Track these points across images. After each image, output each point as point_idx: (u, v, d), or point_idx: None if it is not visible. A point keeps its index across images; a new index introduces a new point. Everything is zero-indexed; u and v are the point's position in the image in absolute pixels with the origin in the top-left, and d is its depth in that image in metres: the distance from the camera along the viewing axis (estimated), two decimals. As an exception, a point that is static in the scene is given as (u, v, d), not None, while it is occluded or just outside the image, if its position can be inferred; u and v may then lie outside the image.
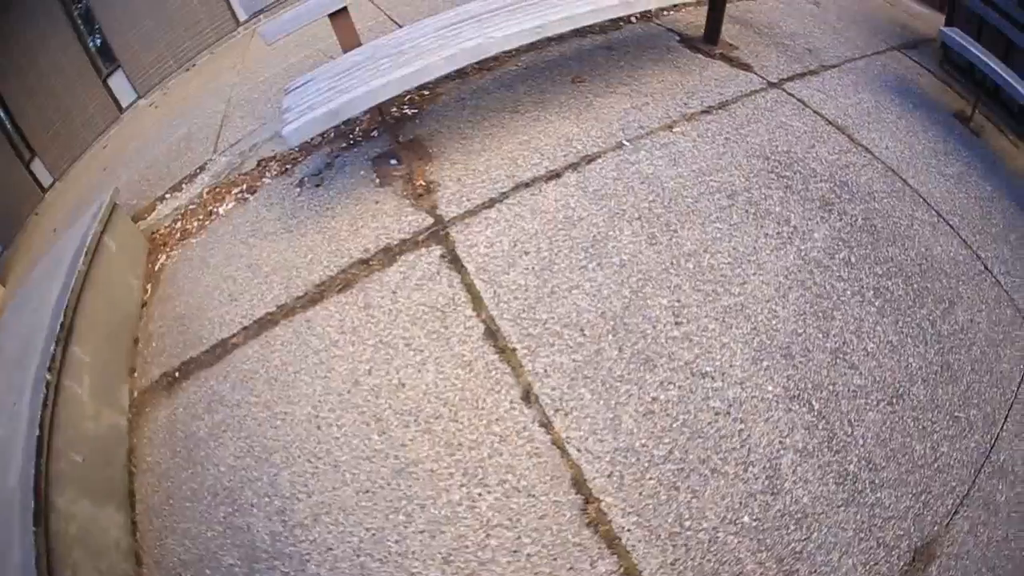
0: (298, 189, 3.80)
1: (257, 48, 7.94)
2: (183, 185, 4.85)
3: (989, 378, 2.62)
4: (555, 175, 3.10)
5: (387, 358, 2.64)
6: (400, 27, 4.60)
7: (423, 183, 3.23)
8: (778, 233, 2.84)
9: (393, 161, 3.42)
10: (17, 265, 9.21)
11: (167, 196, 4.89)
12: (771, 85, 3.77)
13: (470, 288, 2.71)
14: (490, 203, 3.02)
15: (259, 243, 3.55)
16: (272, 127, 4.60)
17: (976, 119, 4.08)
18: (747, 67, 3.90)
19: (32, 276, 5.22)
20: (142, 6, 10.29)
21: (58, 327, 3.18)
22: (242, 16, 10.20)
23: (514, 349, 2.54)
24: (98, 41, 10.67)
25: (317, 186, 3.72)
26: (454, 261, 2.84)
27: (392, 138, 3.56)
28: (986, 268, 3.01)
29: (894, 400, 2.42)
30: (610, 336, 2.51)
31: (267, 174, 4.24)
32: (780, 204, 2.98)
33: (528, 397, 2.38)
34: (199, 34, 10.37)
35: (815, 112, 3.59)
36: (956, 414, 2.48)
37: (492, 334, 2.58)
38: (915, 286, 2.80)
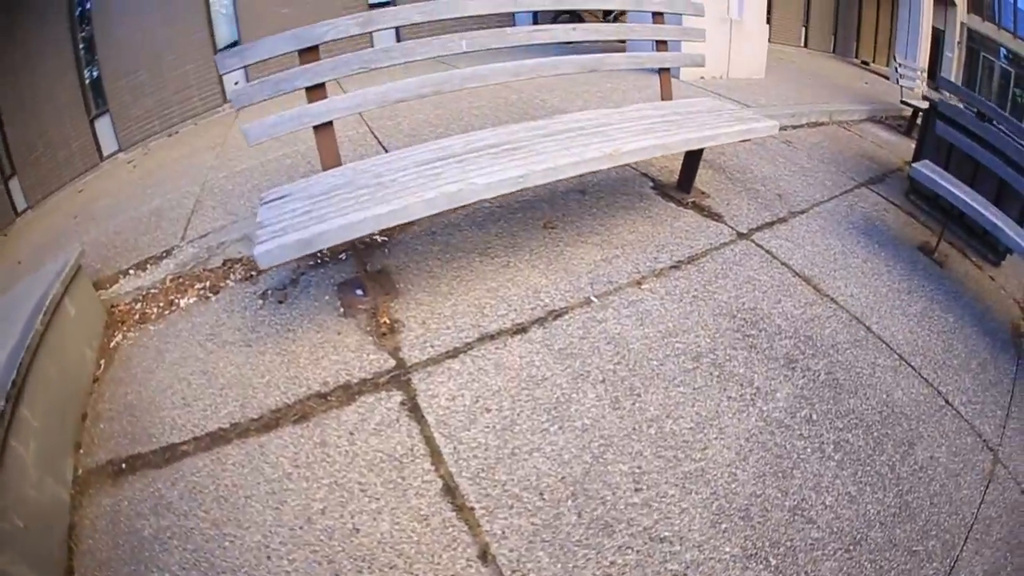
0: (260, 301, 3.74)
1: (239, 133, 8.08)
2: (148, 265, 4.67)
3: (948, 507, 2.66)
4: (521, 329, 3.05)
5: (342, 500, 2.55)
6: (381, 145, 4.71)
7: (387, 321, 3.15)
8: (741, 396, 2.81)
9: (359, 291, 3.36)
10: None
11: (131, 271, 4.69)
12: (740, 236, 3.79)
13: (429, 441, 2.62)
14: (454, 352, 2.93)
15: (217, 350, 3.45)
16: (242, 227, 4.55)
17: (941, 247, 4.21)
18: (718, 217, 3.92)
19: None
20: (141, 56, 10.43)
21: (9, 384, 3.03)
22: (231, 94, 10.40)
23: (472, 508, 2.45)
24: (94, 73, 10.65)
25: (280, 302, 3.66)
26: (414, 410, 2.74)
27: (360, 264, 3.50)
28: (947, 402, 3.06)
29: (851, 547, 2.40)
30: (569, 501, 2.44)
31: (231, 276, 4.19)
32: (744, 365, 2.96)
33: (485, 557, 2.31)
34: (187, 101, 10.51)
35: (783, 264, 3.61)
36: (914, 548, 2.47)
37: (450, 491, 2.49)
38: (875, 434, 2.82)
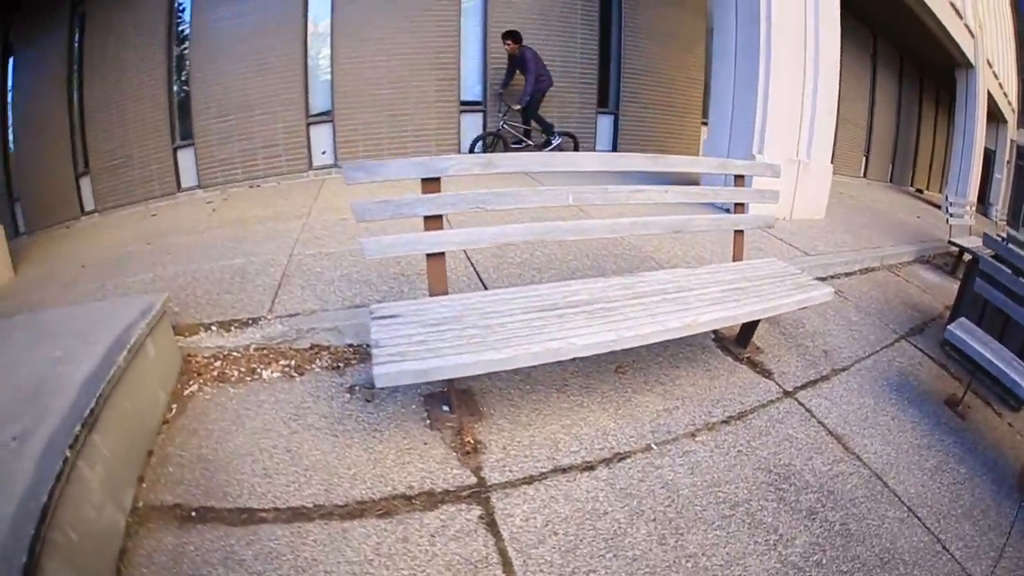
0: (348, 395, 4.04)
1: (325, 208, 8.36)
2: (232, 327, 4.96)
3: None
4: (590, 467, 3.38)
5: (420, 591, 2.91)
6: (477, 273, 5.16)
7: (471, 441, 3.47)
8: (766, 540, 3.14)
9: (445, 408, 3.66)
10: (31, 258, 9.64)
11: (213, 328, 4.97)
12: (786, 394, 4.15)
13: (503, 553, 2.93)
14: (530, 479, 3.27)
15: (301, 431, 3.73)
16: (333, 318, 4.86)
17: (966, 398, 4.56)
18: (768, 374, 4.30)
19: (50, 314, 5.55)
20: (233, 101, 10.97)
21: (88, 412, 3.36)
22: (321, 160, 11.01)
23: (535, 613, 2.83)
24: (185, 102, 11.25)
25: (367, 400, 3.95)
26: (491, 525, 3.06)
27: (447, 381, 3.68)
28: (944, 548, 3.35)
29: None
30: (617, 617, 2.82)
31: (318, 361, 4.52)
32: (772, 515, 3.29)
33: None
34: (274, 158, 10.98)
35: (819, 422, 3.97)
36: None
37: (518, 596, 2.88)
38: (873, 577, 3.22)
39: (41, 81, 12.49)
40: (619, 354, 3.83)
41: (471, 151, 10.38)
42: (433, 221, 3.75)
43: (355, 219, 3.64)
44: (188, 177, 11.40)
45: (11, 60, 12.87)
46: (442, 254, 3.81)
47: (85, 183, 12.15)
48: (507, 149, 10.76)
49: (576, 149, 11.50)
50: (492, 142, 11.01)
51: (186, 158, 11.38)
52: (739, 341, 4.53)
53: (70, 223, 12.05)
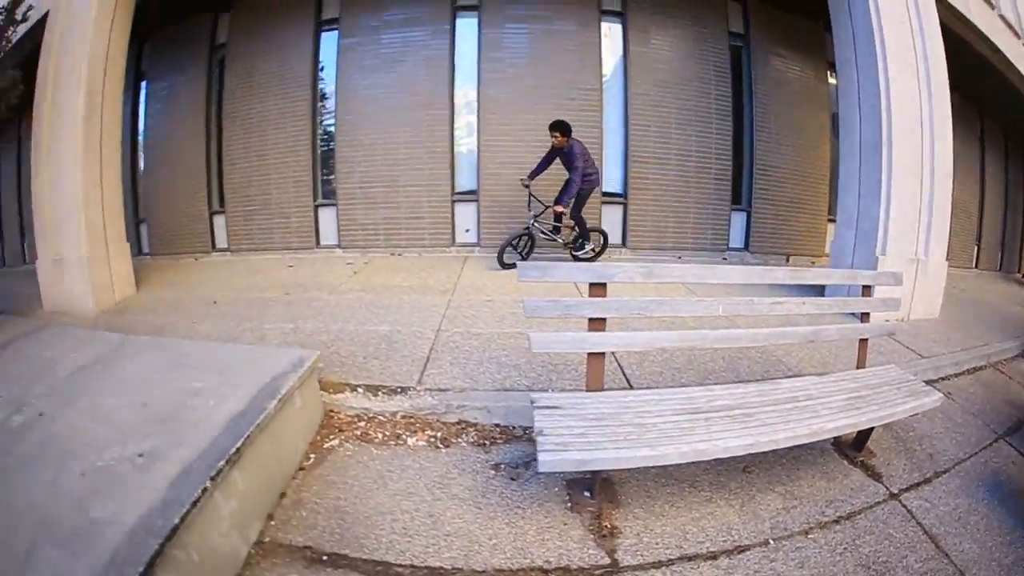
0: (493, 471, 4.33)
1: (470, 287, 8.77)
2: (380, 392, 5.32)
3: None
4: (713, 557, 3.61)
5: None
6: (622, 370, 5.45)
7: (608, 525, 3.72)
8: None
9: (587, 493, 3.92)
10: (153, 280, 10.68)
11: (359, 390, 5.37)
12: (891, 496, 4.34)
13: None
14: (658, 564, 3.51)
15: (444, 499, 4.03)
16: (483, 398, 5.13)
17: None
18: (878, 477, 4.50)
19: (186, 345, 6.29)
20: (379, 167, 11.68)
21: (234, 450, 3.79)
22: (464, 238, 11.35)
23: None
24: (328, 161, 12.06)
25: (512, 479, 4.22)
26: None
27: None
28: None
29: None
30: None
31: (464, 437, 4.81)
32: None
33: None
34: (417, 229, 11.44)
35: (917, 523, 4.15)
36: None
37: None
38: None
39: (177, 114, 13.33)
40: (748, 455, 4.00)
41: (502, 253, 9.91)
42: (597, 323, 4.07)
43: (525, 314, 3.93)
44: (328, 235, 12.05)
45: (143, 85, 13.92)
46: (602, 354, 4.11)
47: (219, 221, 12.91)
48: (532, 249, 10.24)
49: (606, 246, 11.08)
50: (525, 244, 10.20)
51: (327, 216, 12.05)
52: (855, 445, 4.76)
53: (199, 255, 12.83)
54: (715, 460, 4.18)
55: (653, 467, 4.11)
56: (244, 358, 5.49)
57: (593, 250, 10.77)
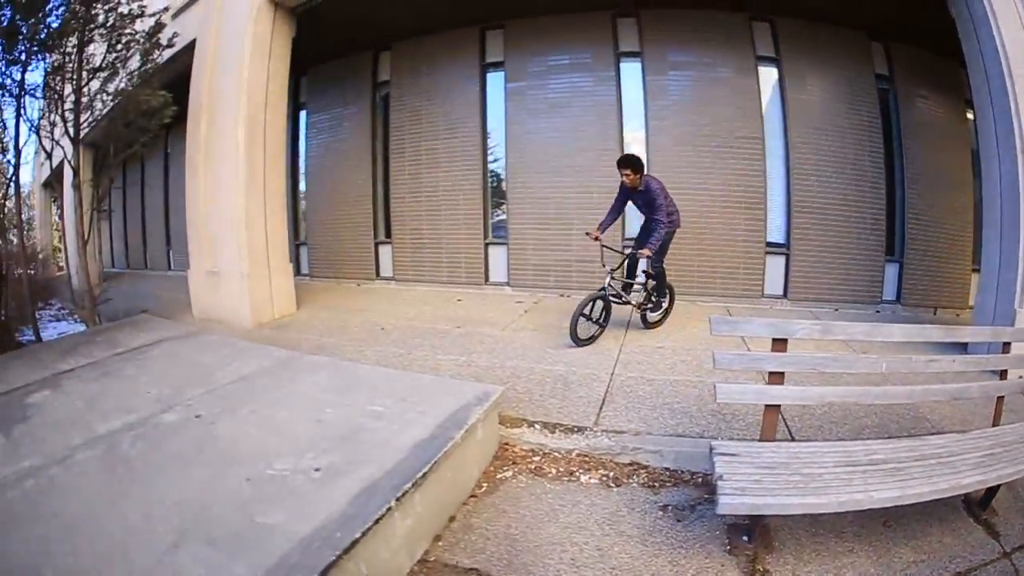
0: (660, 512, 4.68)
1: (641, 334, 9.14)
2: (556, 430, 5.89)
3: None
4: None
5: None
6: (784, 422, 5.72)
7: (762, 569, 4.02)
8: None
9: (745, 538, 4.27)
10: (314, 300, 11.88)
11: (536, 425, 6.00)
12: (1004, 555, 4.47)
13: None
14: None
15: (612, 535, 4.41)
16: (657, 442, 5.60)
17: None
18: (996, 535, 4.63)
19: (362, 369, 7.08)
20: (552, 212, 12.60)
21: (420, 474, 4.30)
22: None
23: None
24: (496, 194, 12.97)
25: (678, 520, 4.56)
26: None
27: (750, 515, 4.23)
28: None
29: None
30: None
31: (635, 478, 5.20)
32: None
33: None
34: (587, 273, 11.84)
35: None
36: None
37: None
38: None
39: (341, 146, 14.62)
40: (890, 508, 4.24)
41: (575, 327, 8.60)
42: (776, 376, 4.54)
43: (715, 366, 4.43)
44: (498, 273, 12.92)
45: (303, 114, 15.20)
46: (777, 406, 4.56)
47: (384, 250, 14.07)
48: (609, 315, 9.12)
49: (673, 301, 10.29)
50: (601, 311, 9.08)
51: (497, 255, 12.93)
52: (981, 503, 4.91)
53: (362, 282, 14.05)
54: (859, 512, 4.41)
55: (805, 516, 4.41)
56: (425, 387, 6.13)
57: (666, 310, 10.16)
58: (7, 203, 13.62)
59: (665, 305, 9.96)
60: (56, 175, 26.65)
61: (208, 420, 5.97)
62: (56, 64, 11.47)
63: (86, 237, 12.49)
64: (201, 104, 11.55)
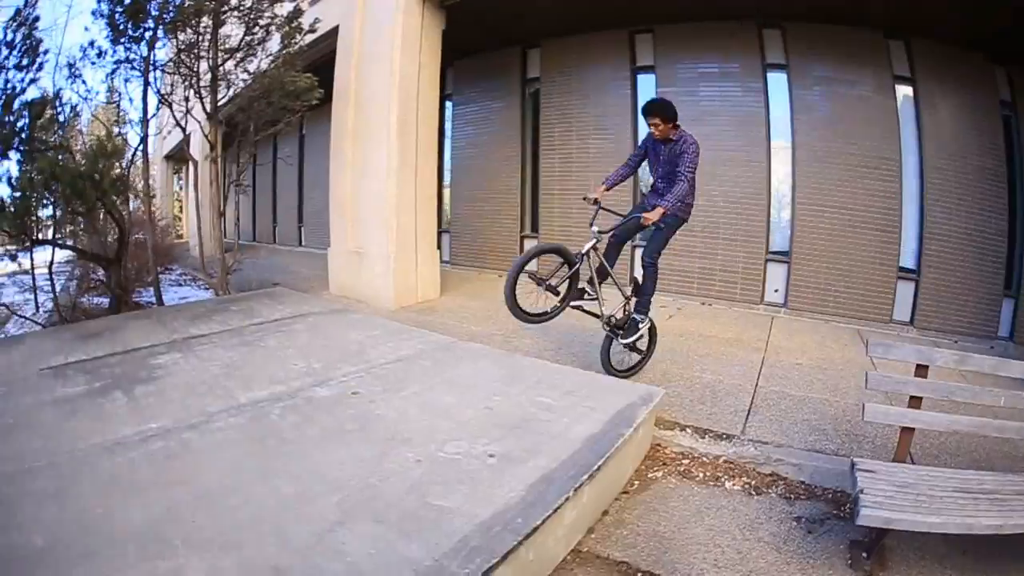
0: (794, 523, 5.12)
1: (780, 348, 9.86)
2: (706, 436, 6.42)
3: None
4: None
5: None
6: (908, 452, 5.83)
7: None
8: None
9: (864, 555, 4.62)
10: (459, 289, 12.93)
11: (687, 429, 6.52)
12: None
13: None
14: None
15: (751, 540, 4.88)
16: (796, 456, 6.07)
17: None
18: None
19: (524, 361, 7.73)
20: (700, 220, 12.23)
21: (596, 468, 4.74)
22: (773, 297, 12.17)
23: None
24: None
25: (808, 532, 5.00)
26: None
27: (873, 534, 4.62)
28: None
29: None
30: None
31: (774, 488, 5.64)
32: None
33: None
34: (730, 283, 12.49)
35: None
36: None
37: None
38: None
39: (489, 139, 15.58)
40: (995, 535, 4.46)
41: (513, 283, 7.07)
42: (915, 400, 5.11)
43: (867, 387, 5.01)
44: None
45: (449, 105, 16.06)
46: (913, 429, 5.16)
47: (528, 244, 14.76)
48: (573, 287, 7.76)
49: (654, 339, 8.63)
50: (570, 287, 7.70)
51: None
52: None
53: (503, 274, 13.72)
54: (960, 542, 4.83)
55: (915, 541, 4.85)
56: (588, 382, 6.72)
57: (647, 345, 8.64)
58: (130, 172, 14.32)
59: (645, 327, 8.30)
60: (181, 148, 28.53)
61: (367, 398, 6.39)
62: (188, 42, 12.60)
63: (222, 209, 13.52)
64: (348, 90, 12.60)
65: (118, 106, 16.47)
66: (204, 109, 13.16)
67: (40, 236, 12.87)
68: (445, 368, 7.33)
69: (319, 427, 5.73)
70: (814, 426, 6.72)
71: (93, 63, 12.72)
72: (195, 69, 12.91)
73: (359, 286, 12.31)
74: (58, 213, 12.68)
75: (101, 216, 12.87)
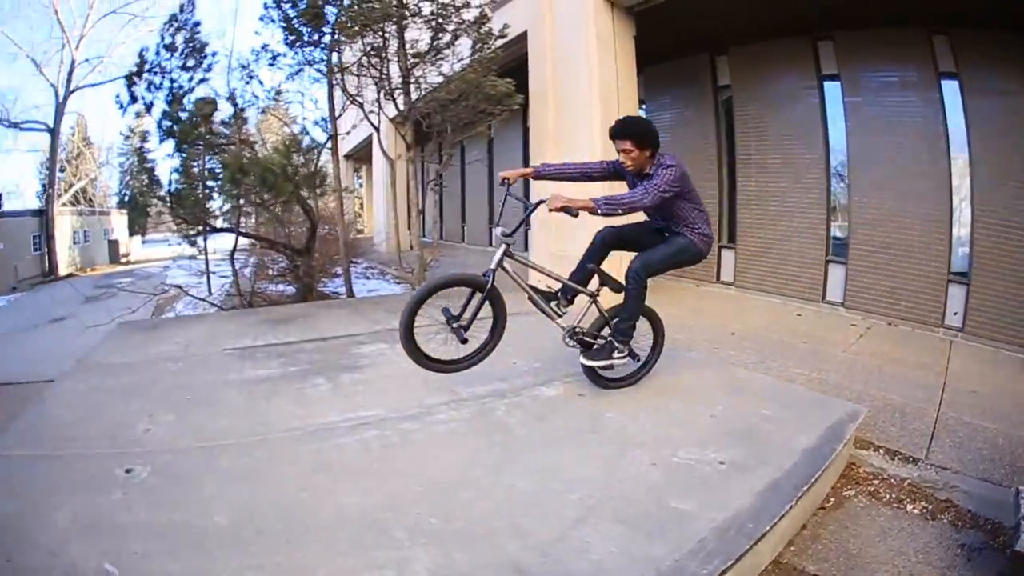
0: (958, 550, 5.32)
1: (962, 375, 9.58)
2: (895, 457, 6.68)
3: None
4: None
5: None
6: None
7: None
8: None
9: None
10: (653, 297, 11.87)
11: (880, 450, 6.74)
12: None
13: None
14: None
15: (923, 564, 5.04)
16: (968, 483, 6.16)
17: None
18: None
19: (740, 372, 7.97)
20: (887, 238, 13.10)
21: (813, 480, 5.11)
22: (952, 320, 11.96)
23: None
24: (840, 203, 13.89)
25: (968, 560, 5.18)
26: None
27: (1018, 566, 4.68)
28: None
29: None
30: None
31: (946, 514, 5.82)
32: None
33: None
34: (914, 305, 12.59)
35: None
36: None
37: None
38: None
39: (683, 146, 15.63)
40: None
41: (411, 320, 6.34)
42: None
43: None
44: (834, 292, 13.58)
45: (641, 110, 16.19)
46: None
47: (727, 255, 15.43)
48: (480, 307, 6.74)
49: (655, 355, 7.81)
50: (470, 302, 6.79)
51: (835, 274, 13.60)
52: None
53: (700, 283, 15.53)
54: None
55: None
56: (800, 397, 7.18)
57: (642, 367, 7.69)
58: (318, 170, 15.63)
59: (613, 364, 7.26)
60: (360, 148, 30.98)
61: (592, 400, 6.78)
62: (375, 46, 13.74)
63: (421, 207, 14.58)
64: (546, 95, 13.50)
65: (301, 106, 17.76)
66: (397, 109, 14.44)
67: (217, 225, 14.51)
68: (667, 374, 7.65)
69: (548, 426, 6.12)
70: (985, 455, 6.72)
71: (270, 64, 14.52)
72: (385, 72, 14.12)
73: (560, 288, 12.50)
74: (241, 203, 14.38)
75: (284, 209, 14.23)
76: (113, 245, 60.77)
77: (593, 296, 7.24)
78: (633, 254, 7.18)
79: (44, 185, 55.29)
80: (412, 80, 14.34)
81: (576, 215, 6.24)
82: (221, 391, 7.35)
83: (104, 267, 54.44)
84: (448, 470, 5.21)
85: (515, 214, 7.22)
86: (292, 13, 13.90)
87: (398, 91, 14.26)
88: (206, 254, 15.68)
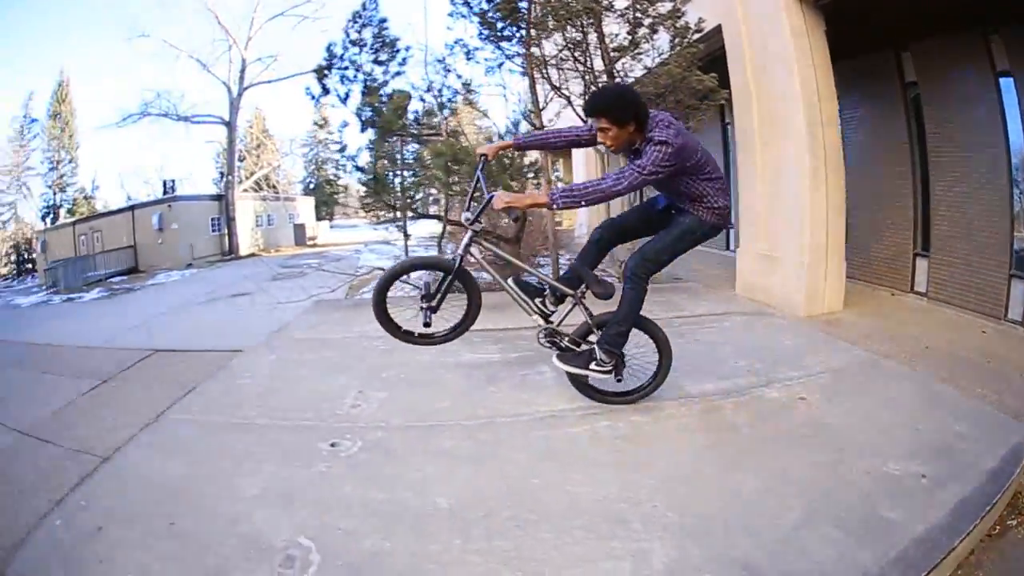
0: None
1: None
2: None
3: None
4: None
5: None
6: None
7: None
8: None
9: None
10: (856, 302, 12.63)
11: None
12: None
13: None
14: None
15: None
16: None
17: None
18: None
19: (940, 387, 7.35)
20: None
21: (997, 498, 4.90)
22: None
23: None
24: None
25: None
26: None
27: None
28: None
29: None
30: None
31: None
32: None
33: None
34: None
35: None
36: None
37: None
38: None
39: (872, 145, 15.25)
40: None
41: (382, 296, 6.11)
42: None
43: None
44: (1015, 309, 12.17)
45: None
46: None
47: (921, 263, 13.95)
48: (445, 293, 6.19)
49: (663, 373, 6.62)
50: (439, 288, 6.19)
51: (1019, 290, 12.20)
52: None
53: (895, 292, 14.32)
54: None
55: None
56: (988, 418, 6.58)
57: (643, 387, 6.64)
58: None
59: (596, 376, 6.34)
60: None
61: (812, 404, 6.61)
62: (575, 40, 13.89)
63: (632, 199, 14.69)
64: (748, 91, 13.29)
65: (504, 99, 18.29)
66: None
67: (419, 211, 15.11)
68: (875, 385, 7.41)
69: (773, 427, 6.07)
70: None
71: (469, 58, 14.81)
72: (589, 65, 14.12)
73: (768, 288, 12.56)
74: (455, 191, 14.87)
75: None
76: (299, 228, 60.85)
77: (578, 298, 6.34)
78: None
79: (222, 173, 59.42)
80: (616, 73, 13.96)
81: (520, 217, 6.02)
82: (437, 372, 7.31)
83: (289, 249, 54.30)
84: (681, 465, 5.23)
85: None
86: (486, 6, 14.06)
87: (603, 84, 13.41)
88: (406, 238, 16.42)
